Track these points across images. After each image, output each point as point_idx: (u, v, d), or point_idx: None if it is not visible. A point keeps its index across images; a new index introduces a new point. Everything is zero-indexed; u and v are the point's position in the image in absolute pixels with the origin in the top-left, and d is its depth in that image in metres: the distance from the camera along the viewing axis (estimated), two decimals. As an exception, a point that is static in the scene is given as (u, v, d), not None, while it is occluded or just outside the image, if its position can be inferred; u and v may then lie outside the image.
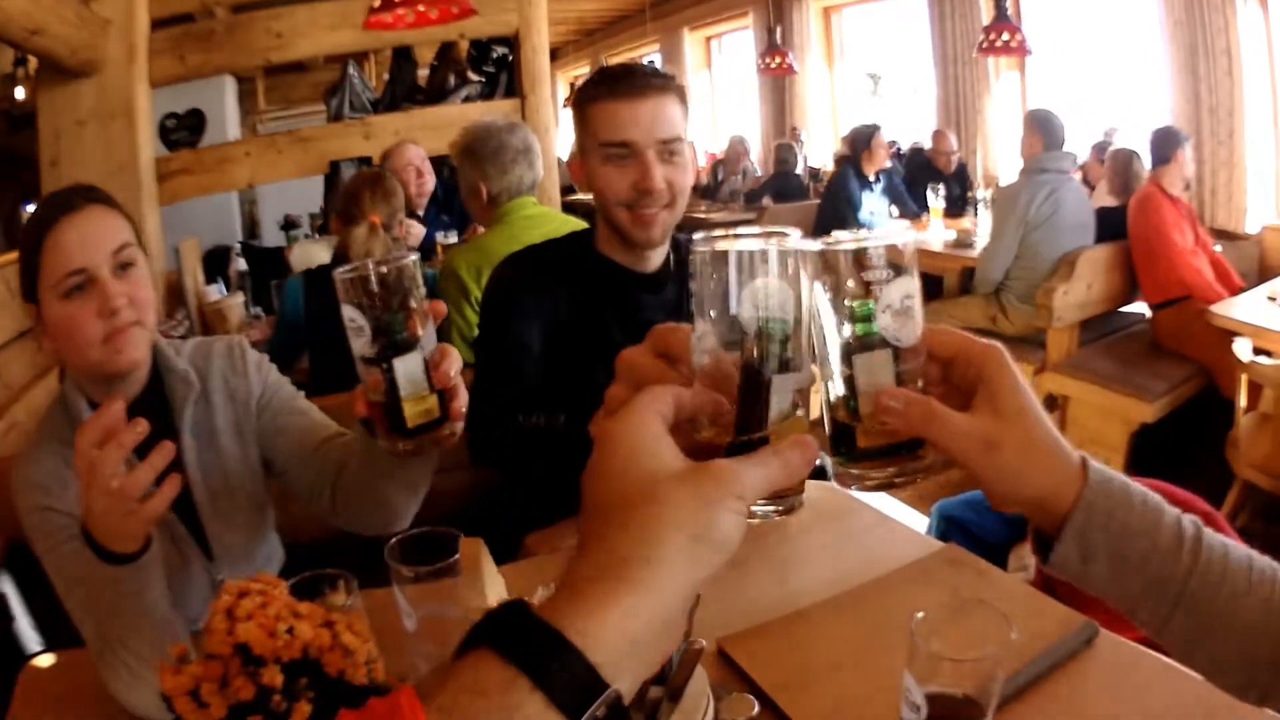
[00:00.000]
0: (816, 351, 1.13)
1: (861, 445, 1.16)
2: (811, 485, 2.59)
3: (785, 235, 1.03)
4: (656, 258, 2.79)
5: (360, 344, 1.56)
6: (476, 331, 3.92)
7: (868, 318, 1.10)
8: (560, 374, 2.78)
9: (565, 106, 17.82)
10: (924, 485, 3.31)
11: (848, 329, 1.11)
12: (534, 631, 0.84)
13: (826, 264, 1.09)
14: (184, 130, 9.48)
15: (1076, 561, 1.17)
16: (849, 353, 1.12)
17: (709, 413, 1.04)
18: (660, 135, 2.59)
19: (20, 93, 9.04)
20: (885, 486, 1.18)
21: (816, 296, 1.09)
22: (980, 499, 2.41)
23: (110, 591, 1.82)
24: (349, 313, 1.53)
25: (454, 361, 1.69)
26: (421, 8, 5.62)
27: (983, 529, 2.98)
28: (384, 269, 1.50)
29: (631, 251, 2.76)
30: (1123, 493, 1.17)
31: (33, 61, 7.86)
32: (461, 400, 1.69)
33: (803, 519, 2.52)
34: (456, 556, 1.60)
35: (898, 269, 1.10)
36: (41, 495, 2.11)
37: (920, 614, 1.42)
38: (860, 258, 1.09)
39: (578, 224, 4.07)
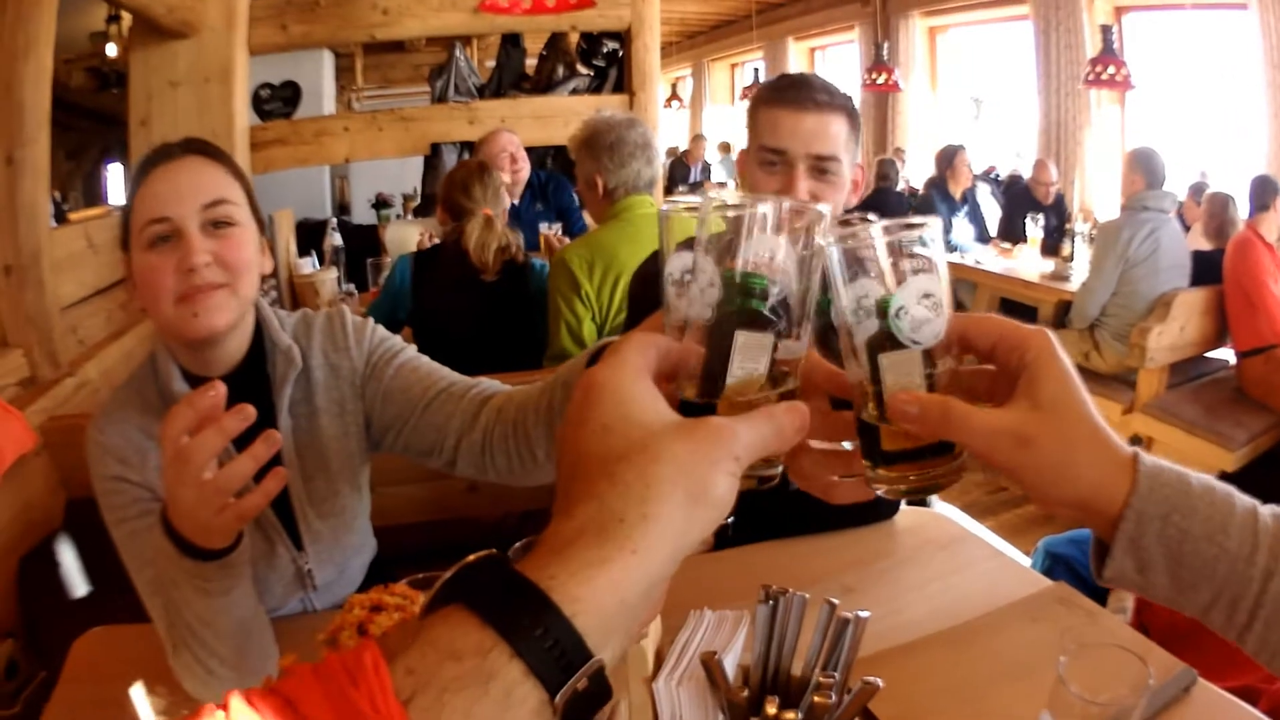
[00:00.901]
0: (842, 346, 1.05)
1: (886, 448, 1.06)
2: (920, 514, 2.61)
3: (811, 207, 0.98)
4: None
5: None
6: (584, 325, 3.94)
7: (887, 313, 0.99)
8: None
9: (742, 99, 17.85)
10: (1013, 520, 3.28)
11: (872, 324, 1.00)
12: (517, 591, 0.77)
13: (849, 254, 1.00)
14: (278, 101, 9.54)
15: (1133, 572, 1.05)
16: (871, 350, 1.02)
17: (691, 368, 1.00)
18: (814, 150, 2.58)
19: (112, 49, 9.06)
20: (915, 492, 1.09)
21: (839, 290, 1.01)
22: (1085, 537, 2.44)
23: (189, 586, 1.71)
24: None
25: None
26: None
27: (1087, 567, 3.01)
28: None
29: None
30: (1181, 491, 1.03)
31: (126, 19, 7.89)
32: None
33: (910, 547, 2.53)
34: None
35: (917, 263, 0.99)
36: (116, 464, 2.01)
37: (1064, 658, 1.41)
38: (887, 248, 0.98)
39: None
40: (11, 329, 3.81)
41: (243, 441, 1.63)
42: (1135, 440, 6.64)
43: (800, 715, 1.20)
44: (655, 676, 1.24)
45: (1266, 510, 1.03)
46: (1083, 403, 1.02)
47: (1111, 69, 9.86)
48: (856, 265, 0.98)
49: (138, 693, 1.30)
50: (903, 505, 2.68)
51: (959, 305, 9.25)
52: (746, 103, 2.73)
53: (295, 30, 7.58)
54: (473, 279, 4.42)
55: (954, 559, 2.48)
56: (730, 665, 1.23)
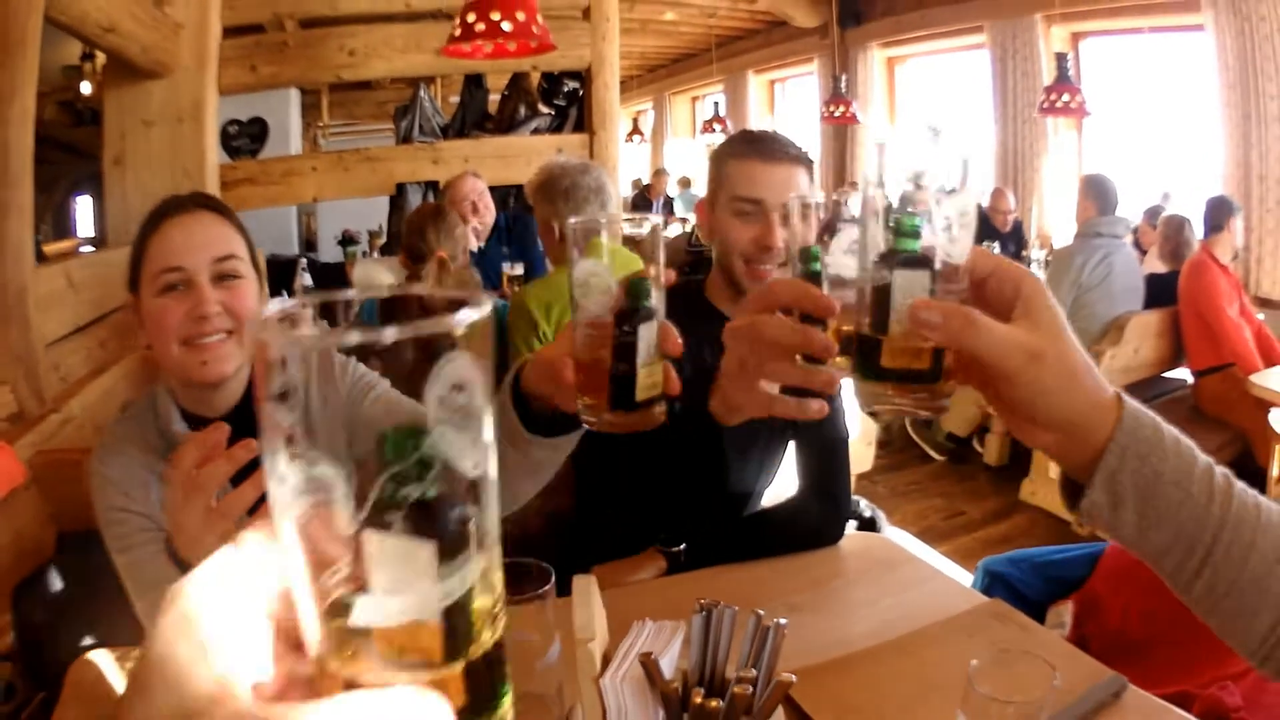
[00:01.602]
0: (845, 269, 1.18)
1: (884, 364, 1.13)
2: (868, 538, 2.73)
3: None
4: None
5: (600, 304, 1.36)
6: None
7: (914, 232, 1.09)
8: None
9: (703, 132, 17.97)
10: (969, 543, 3.42)
11: (885, 241, 1.10)
12: None
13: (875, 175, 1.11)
14: (245, 138, 9.62)
15: (1106, 509, 1.13)
16: (888, 266, 1.10)
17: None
18: (787, 198, 2.68)
19: (86, 87, 9.16)
20: (903, 412, 1.17)
21: (852, 204, 1.12)
22: (1023, 557, 2.48)
23: None
24: (592, 267, 1.37)
25: (671, 331, 1.47)
26: (501, 40, 5.69)
27: (1024, 585, 3.11)
28: (640, 229, 1.38)
29: (738, 302, 2.85)
30: (1155, 435, 1.13)
31: (100, 57, 7.98)
32: (674, 378, 1.45)
33: (856, 570, 2.64)
34: (549, 586, 1.65)
35: (953, 187, 1.10)
36: (119, 496, 2.14)
37: (975, 661, 1.51)
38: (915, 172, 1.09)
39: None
40: None
41: (238, 477, 1.74)
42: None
43: (723, 704, 1.30)
44: (602, 675, 1.35)
45: (1219, 469, 1.13)
46: (1073, 335, 1.11)
47: (1066, 96, 9.93)
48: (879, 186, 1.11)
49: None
50: (850, 530, 2.81)
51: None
52: (710, 158, 2.87)
53: (264, 71, 7.70)
54: None
55: (898, 579, 2.60)
56: (668, 666, 1.34)
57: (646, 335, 1.32)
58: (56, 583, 2.90)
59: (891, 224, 1.10)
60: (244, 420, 2.09)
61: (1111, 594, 2.99)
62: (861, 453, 3.83)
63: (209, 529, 1.69)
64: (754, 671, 1.35)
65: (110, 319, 5.14)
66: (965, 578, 3.39)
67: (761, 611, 1.44)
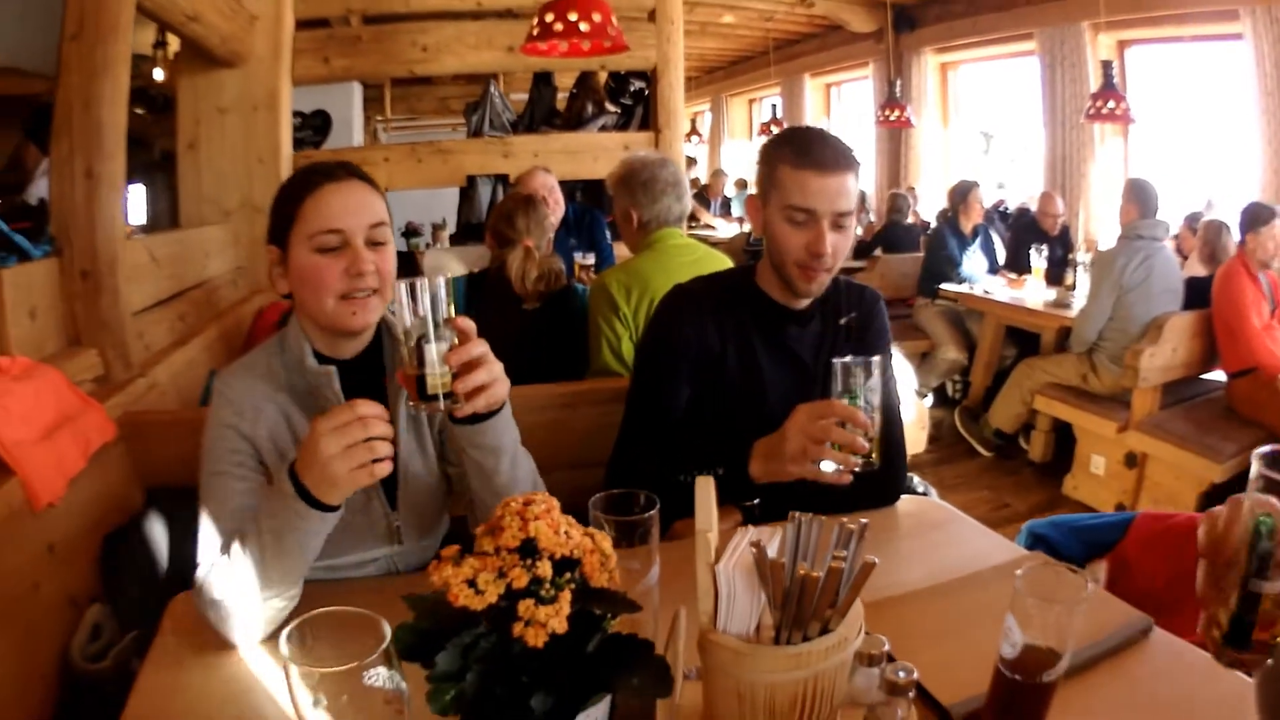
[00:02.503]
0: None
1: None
2: (921, 501, 3.05)
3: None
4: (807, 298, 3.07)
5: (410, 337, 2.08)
6: (623, 343, 4.30)
7: None
8: (709, 392, 3.07)
9: (760, 134, 18.09)
10: (1013, 534, 3.63)
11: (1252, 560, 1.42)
12: None
13: None
14: (309, 130, 9.73)
15: None
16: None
17: None
18: (838, 208, 2.85)
19: (159, 74, 9.29)
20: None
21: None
22: (1063, 521, 2.77)
23: (285, 524, 2.05)
24: (401, 311, 2.04)
25: (468, 351, 2.12)
26: (576, 39, 5.91)
27: (1063, 545, 3.28)
28: (429, 285, 2.05)
29: (787, 292, 3.03)
30: None
31: (171, 45, 8.20)
32: (469, 382, 2.13)
33: (910, 526, 2.94)
34: (654, 512, 1.87)
35: None
36: (232, 414, 2.35)
37: (1020, 571, 1.73)
38: None
39: (718, 255, 4.51)
40: (86, 330, 4.05)
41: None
42: (1131, 456, 7.06)
43: (822, 573, 1.56)
44: (716, 563, 1.67)
45: None
46: None
47: (1112, 103, 10.02)
48: None
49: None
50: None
51: (967, 334, 9.63)
52: (760, 153, 2.99)
53: (337, 64, 7.91)
54: (515, 305, 4.74)
55: (947, 535, 2.87)
56: (771, 552, 1.64)
57: (430, 353, 2.06)
58: (143, 534, 3.13)
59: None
60: (365, 366, 2.54)
61: (1141, 557, 3.18)
62: (914, 435, 4.01)
63: (347, 460, 1.96)
64: (845, 552, 1.60)
65: (189, 294, 5.38)
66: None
67: (845, 519, 1.68)
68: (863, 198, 14.87)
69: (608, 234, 7.59)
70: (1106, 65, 10.31)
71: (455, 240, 10.17)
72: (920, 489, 3.66)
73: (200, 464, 2.34)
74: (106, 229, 4.11)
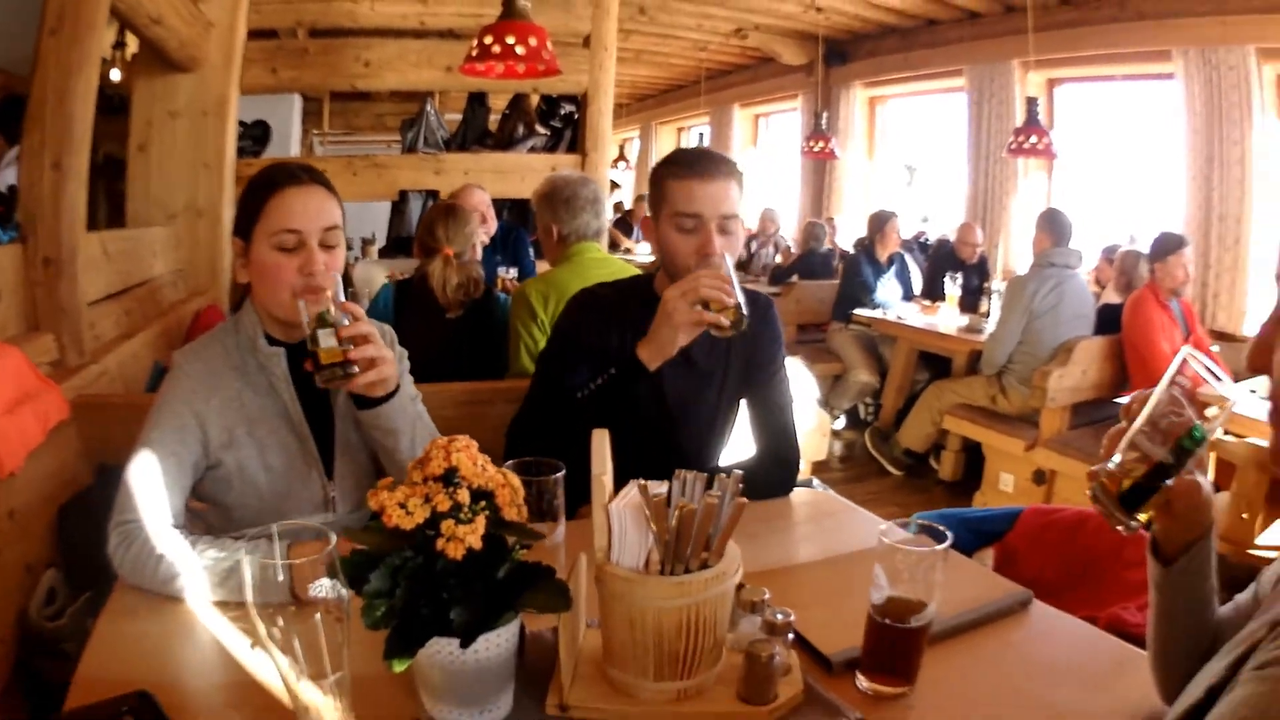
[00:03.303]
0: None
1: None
2: (813, 493, 3.29)
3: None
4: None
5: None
6: (539, 347, 4.46)
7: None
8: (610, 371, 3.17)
9: (611, 166, 18.17)
10: (909, 503, 3.87)
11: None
12: None
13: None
14: (249, 139, 9.79)
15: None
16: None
17: None
18: (722, 211, 3.06)
19: (116, 74, 9.30)
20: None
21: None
22: (951, 513, 2.96)
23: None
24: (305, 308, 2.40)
25: (358, 329, 2.45)
26: (513, 62, 6.07)
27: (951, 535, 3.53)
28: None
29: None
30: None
31: (130, 46, 8.29)
32: (362, 351, 2.45)
33: (804, 514, 3.15)
34: (559, 475, 2.18)
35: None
36: (190, 389, 2.57)
37: (884, 525, 1.98)
38: None
39: (632, 269, 4.63)
40: (45, 316, 4.19)
41: (305, 393, 2.67)
42: (1039, 474, 7.26)
43: (699, 507, 1.78)
44: (609, 504, 1.84)
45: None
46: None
47: (1035, 138, 10.14)
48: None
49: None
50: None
51: (879, 358, 9.83)
52: (650, 177, 3.23)
53: (284, 74, 8.05)
54: (439, 315, 4.92)
55: (838, 522, 3.09)
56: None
57: (324, 336, 2.38)
58: (93, 506, 3.25)
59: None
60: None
61: (1029, 548, 3.38)
62: (816, 442, 4.17)
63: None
64: (719, 492, 1.82)
65: (134, 291, 5.50)
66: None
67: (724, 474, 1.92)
68: (771, 217, 15.09)
69: (530, 251, 7.80)
70: (1031, 101, 10.47)
71: (386, 253, 10.21)
72: (820, 489, 3.83)
73: (146, 424, 2.52)
74: (70, 220, 4.27)
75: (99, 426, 3.47)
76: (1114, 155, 12.72)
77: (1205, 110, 10.18)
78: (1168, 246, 7.37)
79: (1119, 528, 1.70)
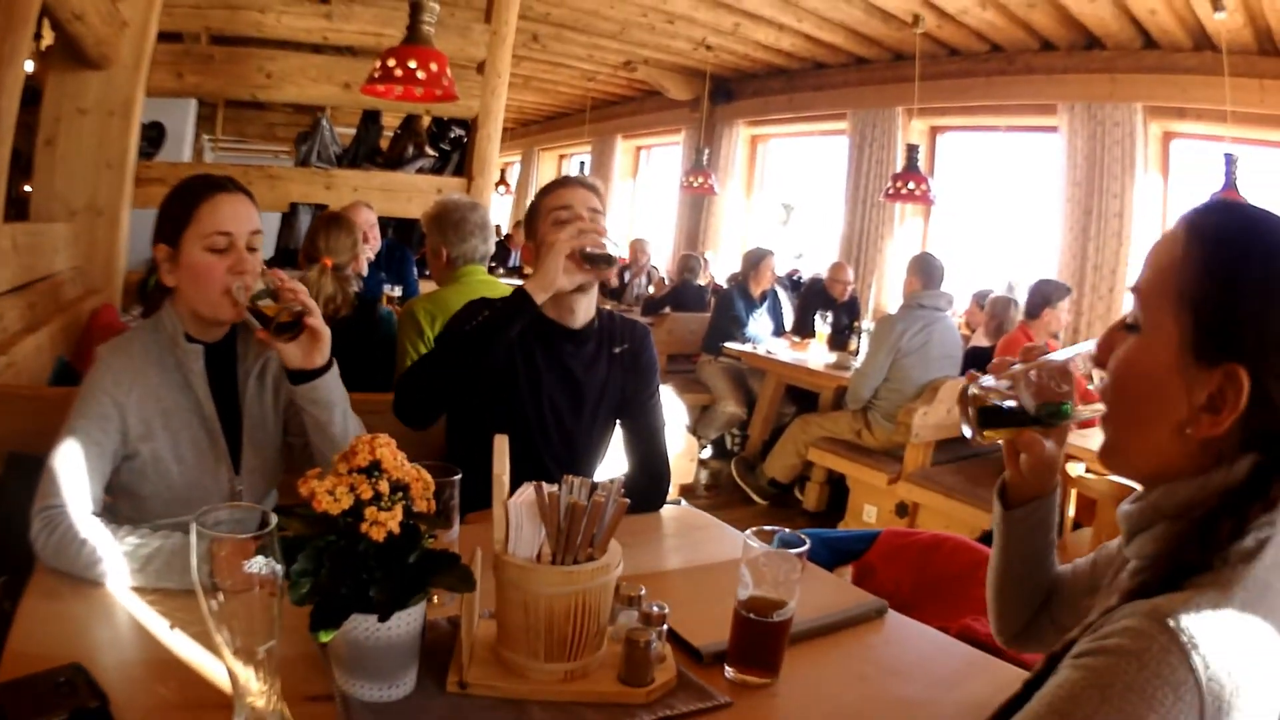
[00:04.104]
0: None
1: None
2: (682, 509, 3.51)
3: None
4: (581, 318, 3.50)
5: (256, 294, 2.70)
6: None
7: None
8: (497, 391, 3.43)
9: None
10: (772, 520, 4.04)
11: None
12: None
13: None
14: (144, 140, 9.79)
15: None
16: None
17: None
18: (590, 205, 3.40)
19: (29, 65, 9.18)
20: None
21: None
22: (812, 533, 3.15)
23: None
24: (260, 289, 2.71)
25: (291, 283, 2.72)
26: (412, 85, 6.19)
27: (811, 553, 3.65)
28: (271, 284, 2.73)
29: (560, 310, 3.45)
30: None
31: (44, 40, 8.26)
32: (299, 302, 2.69)
33: (672, 528, 3.35)
34: (457, 478, 2.32)
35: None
36: (112, 382, 2.70)
37: (749, 530, 2.15)
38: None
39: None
40: None
41: (217, 392, 2.87)
42: (902, 506, 7.47)
43: (587, 504, 2.00)
44: (507, 500, 2.04)
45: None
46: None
47: (912, 184, 10.45)
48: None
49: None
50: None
51: (748, 390, 10.01)
52: (529, 208, 3.54)
53: (189, 79, 8.12)
54: None
55: (706, 535, 3.30)
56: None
57: (264, 303, 2.66)
58: (4, 493, 3.24)
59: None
60: (225, 350, 2.96)
61: (885, 566, 3.55)
62: (684, 465, 4.33)
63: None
64: (604, 495, 2.03)
65: (36, 286, 5.47)
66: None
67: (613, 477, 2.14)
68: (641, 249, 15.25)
69: (414, 270, 8.06)
70: (912, 148, 10.71)
71: (273, 264, 10.21)
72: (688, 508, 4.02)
73: (68, 414, 2.65)
74: None
75: (6, 416, 3.53)
76: (994, 203, 13.06)
77: (1086, 164, 10.61)
78: (1045, 298, 7.66)
79: (965, 429, 1.88)
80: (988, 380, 1.86)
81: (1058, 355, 1.81)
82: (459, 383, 3.23)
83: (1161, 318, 1.50)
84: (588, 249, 3.12)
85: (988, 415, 1.85)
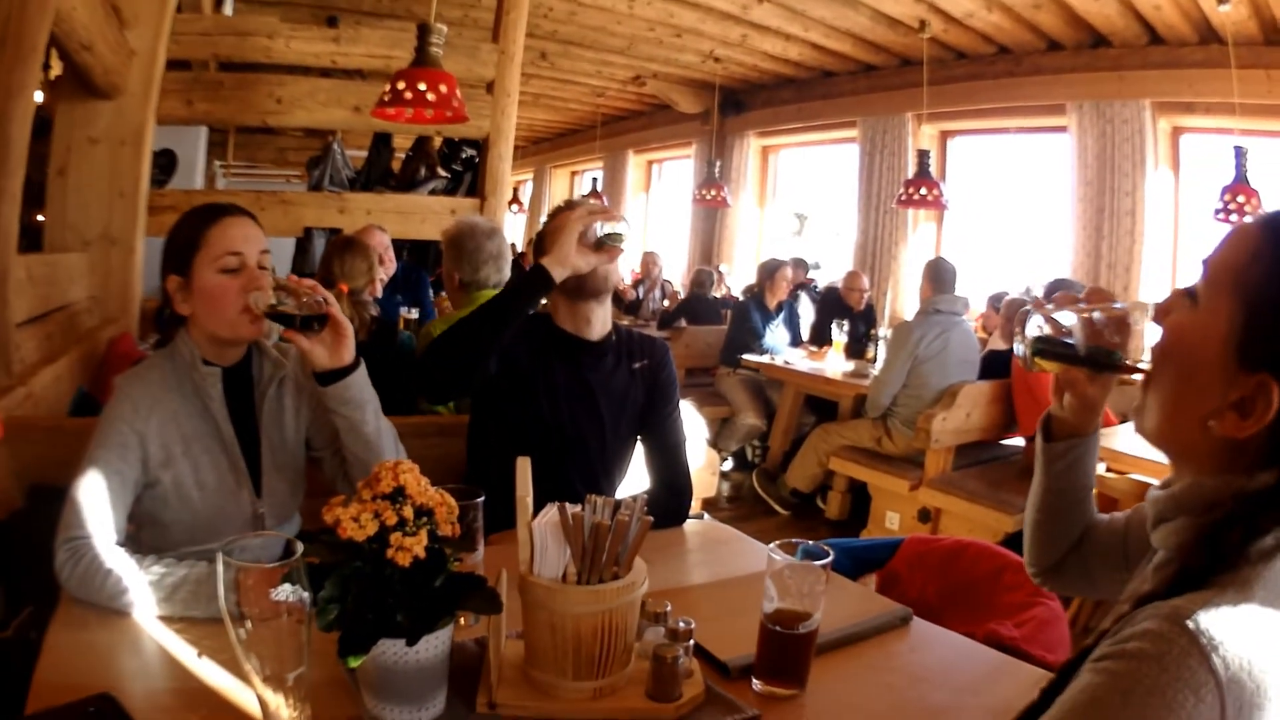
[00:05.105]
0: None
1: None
2: (705, 523, 3.57)
3: None
4: (599, 331, 3.53)
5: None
6: None
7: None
8: (516, 404, 3.48)
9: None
10: (795, 530, 4.05)
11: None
12: None
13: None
14: (155, 168, 9.76)
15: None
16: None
17: None
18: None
19: (39, 96, 9.16)
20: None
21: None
22: (835, 543, 3.16)
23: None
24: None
25: (306, 281, 2.75)
26: (422, 108, 6.18)
27: (835, 564, 3.67)
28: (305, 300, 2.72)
29: (577, 322, 3.51)
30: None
31: (53, 70, 8.27)
32: (318, 292, 2.73)
33: (696, 542, 3.36)
34: (479, 500, 2.32)
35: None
36: (131, 410, 2.70)
37: (774, 544, 2.17)
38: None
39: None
40: None
41: (235, 416, 2.87)
42: (924, 512, 7.46)
43: (611, 524, 2.01)
44: (532, 521, 2.05)
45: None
46: None
47: (924, 190, 10.43)
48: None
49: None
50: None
51: (767, 401, 9.98)
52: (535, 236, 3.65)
53: (199, 107, 8.04)
54: None
55: (731, 549, 3.31)
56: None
57: (285, 305, 2.66)
58: (28, 524, 3.26)
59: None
60: (241, 373, 2.98)
61: (910, 574, 3.53)
62: (706, 479, 4.34)
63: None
64: (628, 513, 2.05)
65: (54, 316, 5.47)
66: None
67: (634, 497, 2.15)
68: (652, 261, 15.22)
69: (430, 292, 8.14)
70: (923, 154, 10.72)
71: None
72: (711, 522, 4.02)
73: (89, 445, 2.65)
74: (3, 241, 4.32)
75: (27, 447, 3.53)
76: (1006, 205, 13.02)
77: (1097, 163, 10.60)
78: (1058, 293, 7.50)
79: (1019, 350, 1.93)
80: (1050, 308, 1.90)
81: (1121, 306, 1.83)
82: (481, 355, 3.27)
83: (1219, 303, 1.49)
84: (598, 231, 3.21)
85: (1041, 346, 1.89)
